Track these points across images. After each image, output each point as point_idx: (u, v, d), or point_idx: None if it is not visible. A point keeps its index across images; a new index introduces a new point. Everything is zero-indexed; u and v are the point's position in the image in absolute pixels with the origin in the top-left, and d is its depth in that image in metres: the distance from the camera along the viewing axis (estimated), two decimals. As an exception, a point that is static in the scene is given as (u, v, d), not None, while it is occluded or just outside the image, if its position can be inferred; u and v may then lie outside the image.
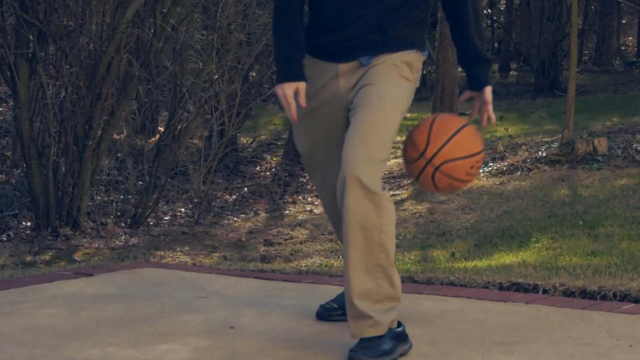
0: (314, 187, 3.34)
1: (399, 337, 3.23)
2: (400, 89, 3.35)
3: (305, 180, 10.90)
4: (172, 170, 9.70)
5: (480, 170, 10.08)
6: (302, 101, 3.32)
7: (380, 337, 3.18)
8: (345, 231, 3.16)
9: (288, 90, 3.31)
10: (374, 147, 3.17)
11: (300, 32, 3.36)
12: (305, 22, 3.44)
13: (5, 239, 7.81)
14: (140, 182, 9.25)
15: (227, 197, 9.99)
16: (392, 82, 3.33)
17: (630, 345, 3.30)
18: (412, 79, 3.41)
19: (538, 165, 9.82)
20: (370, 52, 3.35)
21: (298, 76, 3.33)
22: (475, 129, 3.40)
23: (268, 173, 11.42)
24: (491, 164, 10.31)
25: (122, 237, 7.85)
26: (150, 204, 8.63)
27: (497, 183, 9.39)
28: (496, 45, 27.25)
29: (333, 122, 3.45)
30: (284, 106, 3.34)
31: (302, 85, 3.32)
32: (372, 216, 3.13)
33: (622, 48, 28.27)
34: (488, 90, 3.57)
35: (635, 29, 28.01)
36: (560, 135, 10.66)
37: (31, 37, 7.87)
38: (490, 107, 3.59)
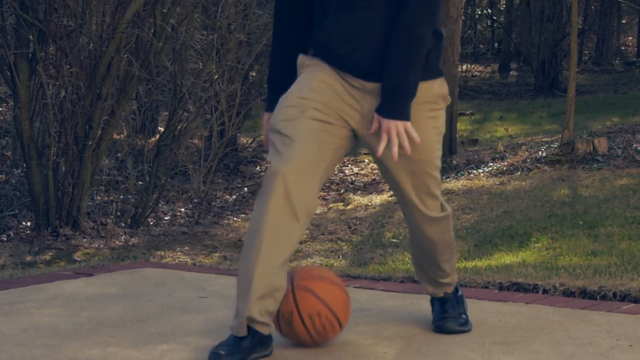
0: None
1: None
2: (437, 135, 3.26)
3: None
4: (172, 170, 9.70)
5: (480, 170, 10.10)
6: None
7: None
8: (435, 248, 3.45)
9: (266, 119, 3.36)
10: (436, 191, 3.33)
11: (290, 60, 3.29)
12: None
13: (5, 239, 7.81)
14: (140, 182, 9.25)
15: (227, 197, 9.99)
16: (431, 141, 3.23)
17: (630, 345, 3.30)
18: (444, 107, 3.29)
19: (538, 165, 9.82)
20: None
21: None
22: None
23: (268, 173, 11.40)
24: (491, 164, 10.31)
25: (122, 237, 7.85)
26: (150, 204, 8.63)
27: (497, 183, 9.39)
28: (496, 45, 27.26)
29: (327, 131, 3.17)
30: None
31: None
32: (445, 232, 3.43)
33: (622, 48, 28.27)
34: (386, 123, 3.10)
35: (635, 29, 28.00)
36: (560, 135, 10.66)
37: (31, 37, 7.87)
38: (380, 146, 3.12)
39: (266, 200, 3.06)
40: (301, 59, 3.26)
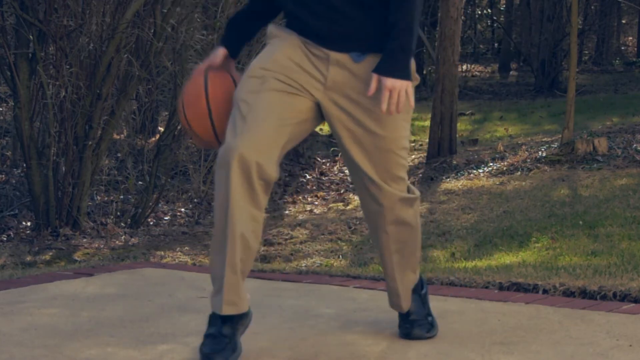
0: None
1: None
2: (405, 112, 3.17)
3: (305, 180, 10.89)
4: (172, 170, 9.71)
5: (480, 170, 10.10)
6: (205, 64, 3.26)
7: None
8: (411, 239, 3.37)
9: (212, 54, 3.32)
10: (400, 174, 3.25)
11: (257, 18, 3.30)
12: None
13: (5, 239, 7.81)
14: (140, 182, 9.25)
15: (227, 197, 9.98)
16: (397, 117, 3.14)
17: (630, 345, 3.30)
18: (412, 84, 3.20)
19: (538, 165, 9.82)
20: (360, 46, 3.14)
21: (226, 42, 3.29)
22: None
23: (268, 173, 11.39)
24: (491, 164, 10.31)
25: (122, 237, 7.85)
26: (150, 204, 8.63)
27: (497, 183, 9.40)
28: (496, 45, 27.27)
29: (290, 103, 3.11)
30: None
31: (221, 51, 3.28)
32: (417, 216, 3.38)
33: (622, 48, 28.30)
34: (391, 82, 3.04)
35: (635, 29, 28.02)
36: (560, 135, 10.67)
37: (31, 37, 7.87)
38: (382, 104, 3.04)
39: (226, 185, 3.03)
40: (269, 29, 3.24)
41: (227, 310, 3.15)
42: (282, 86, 3.10)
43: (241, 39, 3.32)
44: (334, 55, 3.13)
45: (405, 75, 3.05)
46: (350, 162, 3.24)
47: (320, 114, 3.21)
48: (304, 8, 3.13)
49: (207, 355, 3.11)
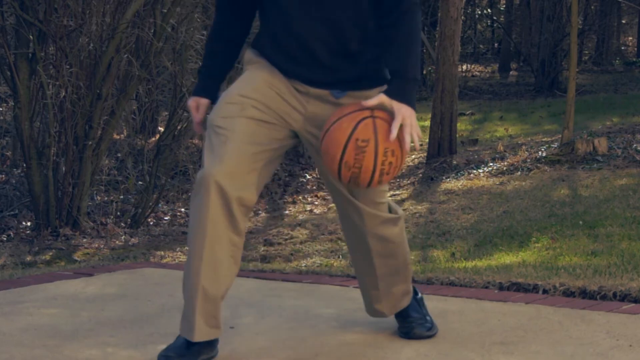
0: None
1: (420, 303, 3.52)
2: None
3: (305, 180, 10.89)
4: (172, 170, 9.71)
5: (480, 170, 10.10)
6: (197, 117, 3.25)
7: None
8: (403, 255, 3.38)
9: (191, 103, 3.27)
10: (379, 199, 3.22)
11: (229, 53, 3.22)
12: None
13: (5, 239, 7.82)
14: (140, 182, 9.25)
15: (227, 197, 9.98)
16: None
17: (630, 345, 3.30)
18: None
19: (538, 165, 9.82)
20: (341, 86, 3.10)
21: (205, 93, 3.25)
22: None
23: (268, 173, 11.39)
24: (491, 164, 10.31)
25: (122, 237, 7.86)
26: (150, 204, 8.64)
27: (497, 183, 9.40)
28: (496, 45, 27.28)
29: (266, 129, 3.07)
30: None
31: (202, 102, 3.26)
32: (403, 233, 3.38)
33: (622, 48, 28.30)
34: (405, 109, 2.95)
35: (635, 29, 28.03)
36: (560, 135, 10.67)
37: (31, 37, 7.88)
38: (395, 127, 2.93)
39: (204, 211, 2.99)
40: (248, 55, 3.19)
41: (200, 337, 3.10)
42: (260, 115, 3.07)
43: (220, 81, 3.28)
44: (314, 91, 3.11)
45: (414, 105, 2.99)
46: (331, 186, 3.22)
47: (294, 140, 3.19)
48: (283, 54, 3.09)
49: (166, 357, 3.08)
